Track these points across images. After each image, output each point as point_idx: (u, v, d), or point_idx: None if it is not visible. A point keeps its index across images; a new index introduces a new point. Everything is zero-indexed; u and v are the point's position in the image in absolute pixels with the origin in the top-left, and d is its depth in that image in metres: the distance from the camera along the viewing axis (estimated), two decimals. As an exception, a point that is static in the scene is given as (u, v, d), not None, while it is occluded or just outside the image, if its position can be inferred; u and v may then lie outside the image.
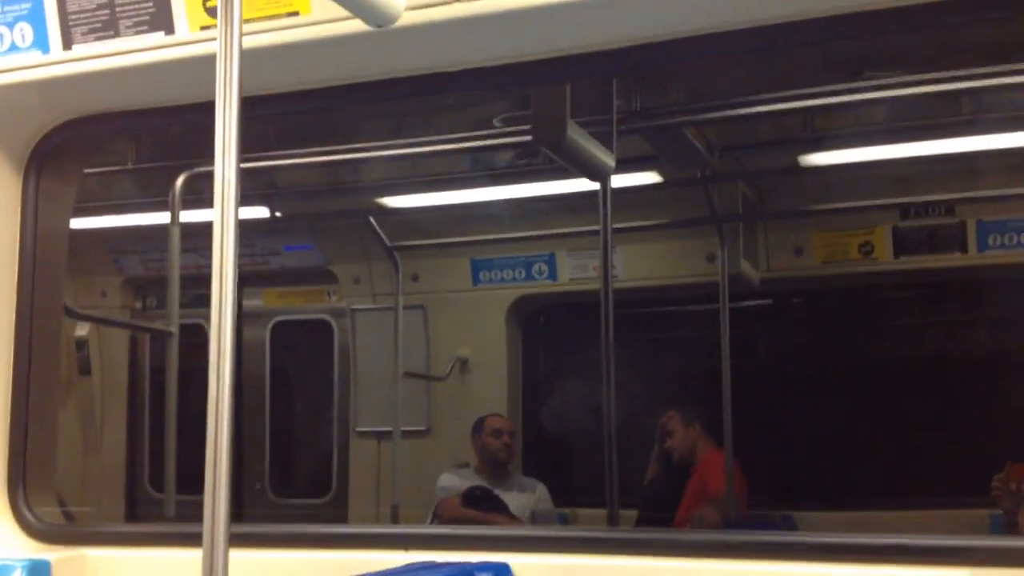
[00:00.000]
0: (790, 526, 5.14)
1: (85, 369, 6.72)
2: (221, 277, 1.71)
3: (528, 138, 4.04)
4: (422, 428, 6.39)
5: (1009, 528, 4.36)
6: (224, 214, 1.73)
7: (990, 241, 5.72)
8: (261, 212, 6.00)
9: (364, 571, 2.20)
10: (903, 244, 5.85)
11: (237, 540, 1.67)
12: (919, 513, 5.23)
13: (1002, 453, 4.42)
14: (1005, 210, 5.61)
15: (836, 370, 6.12)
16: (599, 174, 4.00)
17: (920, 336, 6.20)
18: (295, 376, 7.28)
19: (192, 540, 1.80)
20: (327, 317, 6.96)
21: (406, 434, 6.29)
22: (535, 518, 5.26)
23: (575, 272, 6.26)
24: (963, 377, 5.77)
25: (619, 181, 4.50)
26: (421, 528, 4.22)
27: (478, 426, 5.56)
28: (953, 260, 5.72)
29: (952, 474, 5.30)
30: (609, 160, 3.87)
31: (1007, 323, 5.84)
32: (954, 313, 6.16)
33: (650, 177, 5.64)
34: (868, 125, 5.16)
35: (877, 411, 5.88)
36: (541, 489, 5.45)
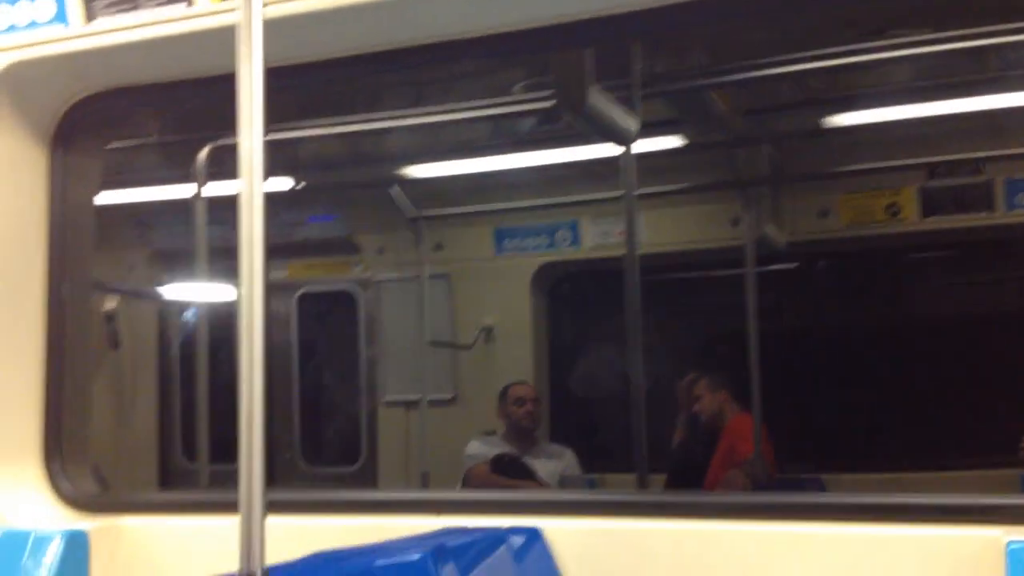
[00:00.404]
0: (819, 488, 5.14)
1: (114, 343, 6.78)
2: (249, 248, 1.72)
3: (550, 104, 4.02)
4: (449, 397, 6.43)
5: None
6: (250, 185, 1.74)
7: (1018, 199, 5.64)
8: (284, 184, 6.02)
9: (397, 535, 2.22)
10: (930, 204, 5.80)
11: (271, 506, 1.69)
12: (948, 474, 5.21)
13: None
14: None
15: (863, 332, 6.09)
16: (622, 139, 3.98)
17: (947, 297, 6.15)
18: (322, 347, 7.33)
19: (227, 507, 1.81)
20: (352, 288, 6.99)
21: (433, 403, 6.32)
22: (563, 484, 5.28)
23: (599, 239, 6.24)
24: (992, 337, 5.73)
25: (642, 146, 4.47)
26: (452, 493, 4.26)
27: (502, 394, 5.59)
28: (981, 219, 5.65)
29: (981, 435, 5.28)
30: (632, 124, 3.85)
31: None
32: (982, 273, 6.10)
33: (673, 141, 5.60)
34: (893, 84, 5.10)
35: (905, 373, 5.85)
36: (569, 455, 5.47)
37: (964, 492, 3.66)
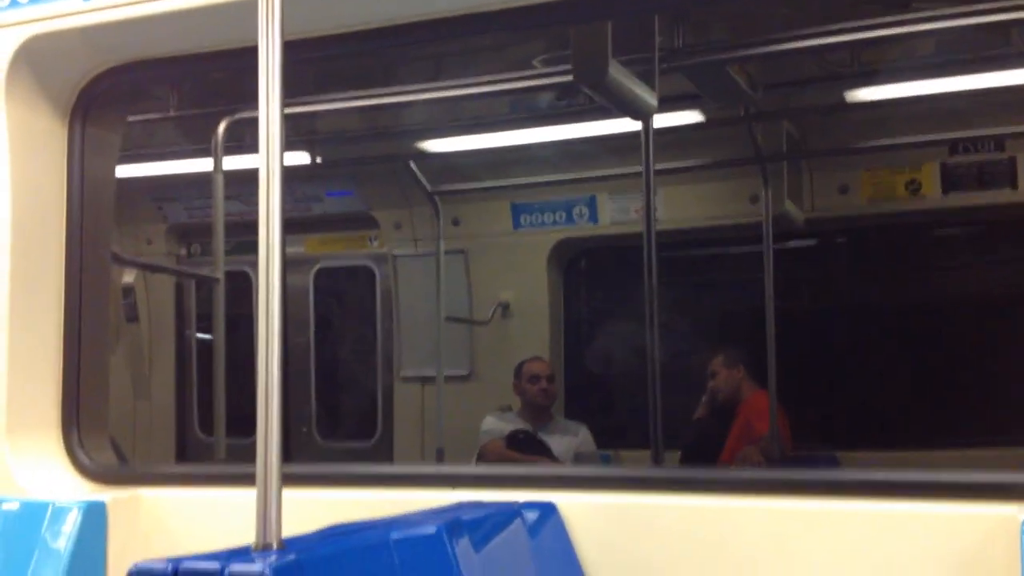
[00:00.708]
0: (833, 466, 5.14)
1: (132, 316, 6.82)
2: (268, 220, 1.72)
3: (569, 78, 3.99)
4: (465, 373, 6.44)
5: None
6: (269, 159, 1.74)
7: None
8: (302, 158, 6.02)
9: (411, 509, 2.24)
10: (951, 181, 5.75)
11: (288, 480, 1.70)
12: (965, 452, 5.19)
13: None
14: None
15: (881, 310, 6.06)
16: (641, 113, 3.96)
17: (968, 275, 6.11)
18: (339, 322, 7.35)
19: (244, 480, 1.83)
20: (369, 263, 7.00)
21: (449, 379, 6.34)
22: (578, 460, 5.30)
23: (617, 215, 6.22)
24: (1012, 316, 5.69)
25: (661, 121, 4.44)
26: (467, 468, 4.27)
27: (518, 371, 5.60)
28: (1003, 196, 5.61)
29: (999, 413, 5.26)
30: (651, 99, 3.83)
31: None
32: (1003, 251, 6.06)
33: (692, 116, 5.56)
34: (915, 59, 5.04)
35: (923, 350, 5.82)
36: (584, 431, 5.48)
37: (980, 470, 3.66)
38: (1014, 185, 5.61)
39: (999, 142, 5.63)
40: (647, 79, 3.89)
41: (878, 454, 5.38)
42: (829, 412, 5.84)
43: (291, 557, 1.60)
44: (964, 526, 2.19)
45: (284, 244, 1.77)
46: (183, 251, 7.36)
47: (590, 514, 2.49)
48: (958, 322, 5.84)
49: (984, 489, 2.24)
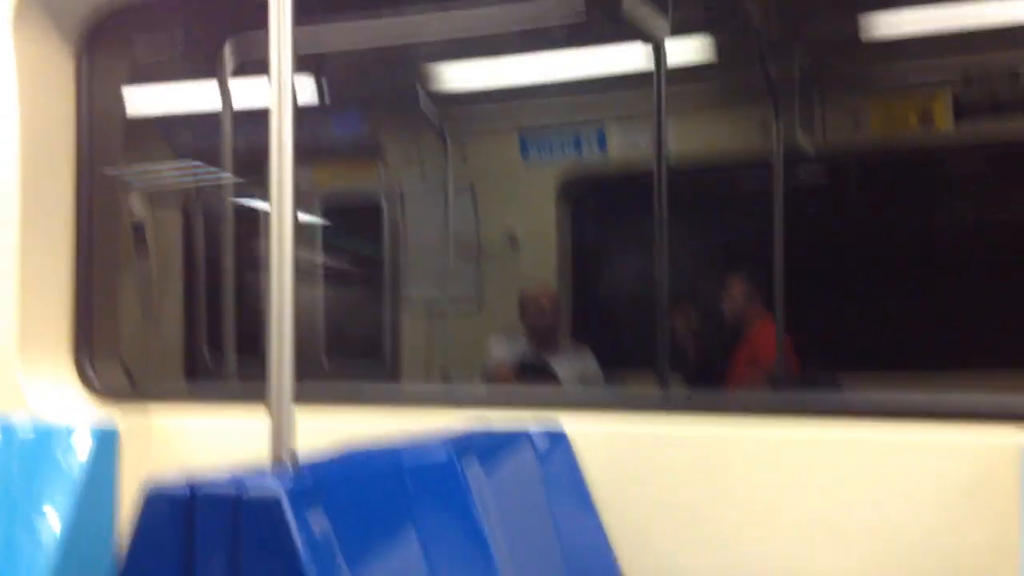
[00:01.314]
0: (835, 387, 5.17)
1: (143, 252, 6.84)
2: (279, 145, 1.72)
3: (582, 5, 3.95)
4: (473, 304, 6.46)
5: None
6: (280, 88, 1.73)
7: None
8: (308, 85, 5.98)
9: (421, 427, 2.26)
10: (964, 110, 5.70)
11: (299, 397, 1.72)
12: (969, 374, 5.22)
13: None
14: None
15: (890, 239, 6.05)
16: (654, 37, 3.92)
17: (976, 203, 6.09)
18: (347, 253, 7.35)
19: (254, 396, 1.85)
20: (377, 195, 6.98)
21: (457, 310, 6.36)
22: (584, 383, 5.34)
23: (626, 146, 6.19)
24: (1018, 242, 5.70)
25: (672, 51, 4.39)
26: (476, 387, 4.31)
27: (522, 297, 5.64)
28: (1015, 125, 5.56)
29: (1002, 338, 5.28)
30: (664, 23, 3.79)
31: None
32: (1012, 180, 6.03)
33: (704, 45, 5.50)
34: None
35: (932, 279, 5.83)
36: (587, 353, 5.51)
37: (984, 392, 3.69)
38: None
39: (1014, 70, 5.56)
40: (660, 4, 3.86)
41: (885, 374, 5.39)
42: (837, 339, 5.85)
43: (306, 479, 1.62)
44: (966, 449, 2.21)
45: (295, 168, 1.76)
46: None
47: (598, 439, 2.53)
48: (966, 248, 5.84)
49: (986, 413, 2.26)
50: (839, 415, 2.35)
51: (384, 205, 6.93)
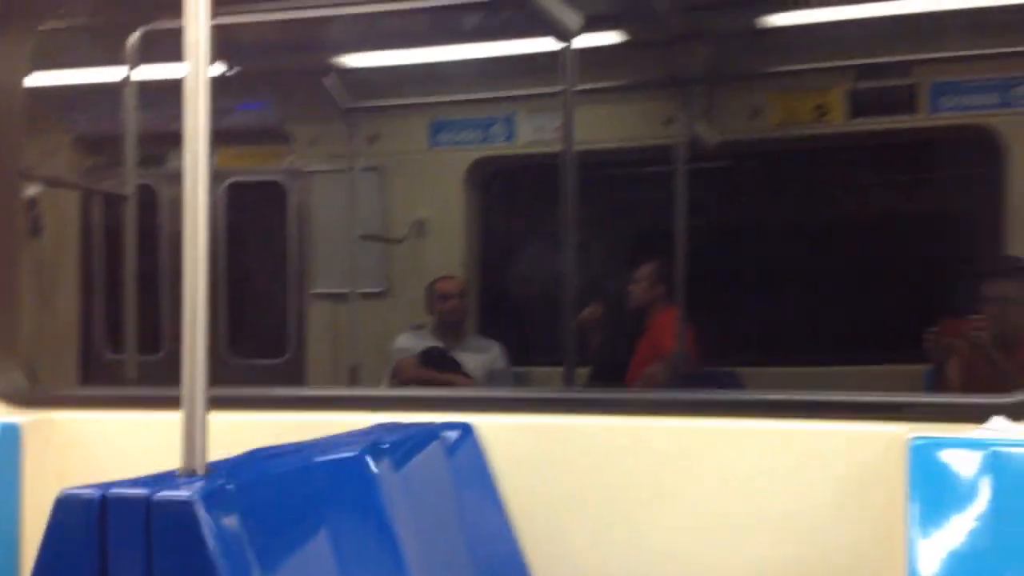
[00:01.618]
0: (735, 383, 5.32)
1: (36, 229, 6.64)
2: (194, 134, 1.69)
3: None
4: (379, 290, 6.45)
5: (940, 381, 4.60)
6: (196, 71, 1.70)
7: (943, 102, 5.76)
8: (215, 69, 5.87)
9: (333, 431, 2.29)
10: (856, 106, 5.89)
11: (211, 402, 1.72)
12: (860, 368, 5.43)
13: (939, 309, 4.63)
14: (960, 71, 5.66)
15: (787, 230, 6.23)
16: (564, 33, 3.98)
17: (868, 197, 6.31)
18: (250, 239, 7.25)
19: (160, 403, 1.85)
20: (283, 178, 6.90)
21: (363, 296, 6.35)
22: (491, 377, 5.39)
23: (535, 134, 6.24)
24: (908, 235, 5.92)
25: (579, 42, 4.45)
26: (388, 391, 4.33)
27: (429, 289, 5.65)
28: (904, 122, 5.78)
29: (895, 330, 5.49)
30: (574, 18, 3.85)
31: (950, 184, 5.97)
32: (902, 174, 6.27)
33: (611, 37, 5.58)
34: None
35: (825, 270, 6.03)
36: (496, 349, 5.57)
37: (876, 386, 3.87)
38: (916, 111, 5.78)
39: (904, 69, 5.77)
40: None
41: (781, 370, 5.58)
42: (735, 330, 6.02)
43: (219, 483, 1.63)
44: (856, 444, 2.33)
45: (210, 159, 1.73)
46: (89, 162, 7.14)
47: (506, 434, 2.58)
48: (859, 241, 6.05)
49: (875, 409, 2.39)
50: (737, 411, 2.46)
51: (289, 189, 6.87)
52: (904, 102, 5.77)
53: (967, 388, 4.38)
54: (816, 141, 6.07)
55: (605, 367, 5.48)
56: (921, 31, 5.57)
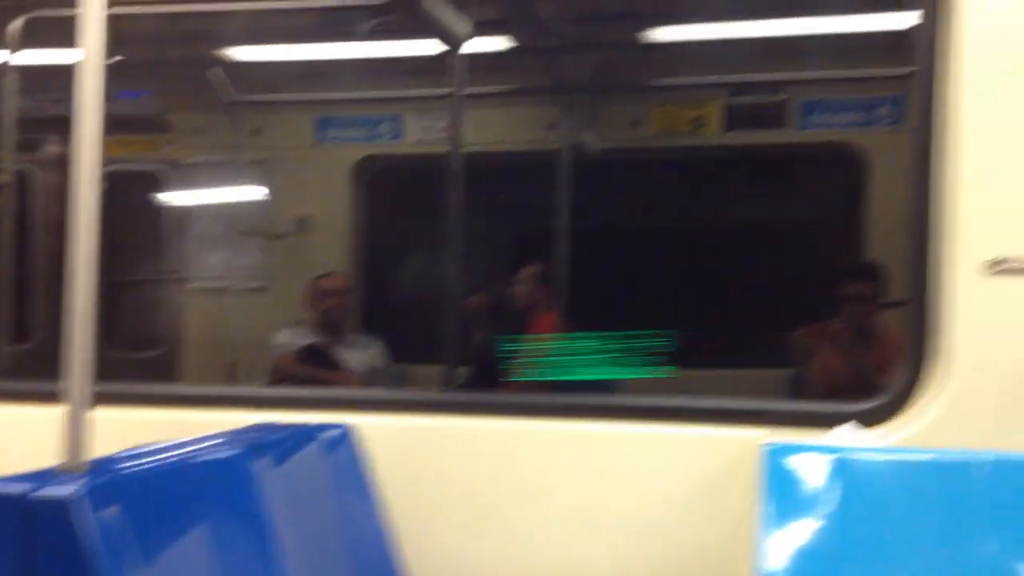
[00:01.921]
0: (606, 388, 5.45)
1: None
2: (85, 125, 1.69)
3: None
4: (260, 285, 6.40)
5: (802, 384, 4.85)
6: (90, 60, 1.70)
7: (811, 120, 6.05)
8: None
9: (213, 429, 2.32)
10: (732, 120, 6.13)
11: (94, 396, 1.73)
12: (726, 372, 5.64)
13: (804, 314, 4.87)
14: (829, 90, 5.94)
15: (659, 237, 6.41)
16: (453, 39, 4.05)
17: (738, 206, 6.52)
18: (127, 229, 7.09)
19: (43, 397, 1.84)
20: (161, 169, 6.77)
21: (244, 291, 6.29)
22: (372, 375, 5.42)
23: (422, 134, 6.28)
24: (777, 242, 6.17)
25: (469, 46, 4.52)
26: (270, 390, 4.33)
27: (311, 286, 5.63)
28: (773, 136, 6.04)
29: (762, 335, 5.71)
30: (463, 25, 3.92)
31: (818, 195, 6.25)
32: (771, 185, 6.52)
33: (501, 43, 5.68)
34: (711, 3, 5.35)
35: (699, 275, 6.24)
36: (377, 347, 5.60)
37: (743, 390, 4.06)
38: (786, 126, 6.06)
39: (777, 86, 6.03)
40: (460, 5, 3.98)
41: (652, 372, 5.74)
42: (611, 334, 6.16)
43: (101, 480, 1.65)
44: (713, 449, 2.48)
45: (102, 150, 1.73)
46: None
47: (383, 435, 2.65)
48: (730, 249, 6.28)
49: (731, 415, 2.55)
50: (601, 415, 2.58)
51: (167, 181, 6.74)
52: (774, 118, 6.04)
53: (829, 389, 4.61)
54: (691, 151, 6.28)
55: (484, 368, 5.56)
56: (793, 52, 5.84)
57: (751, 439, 2.48)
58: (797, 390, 5.04)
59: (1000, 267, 2.42)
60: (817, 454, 2.46)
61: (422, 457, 2.60)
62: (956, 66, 2.44)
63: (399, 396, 3.18)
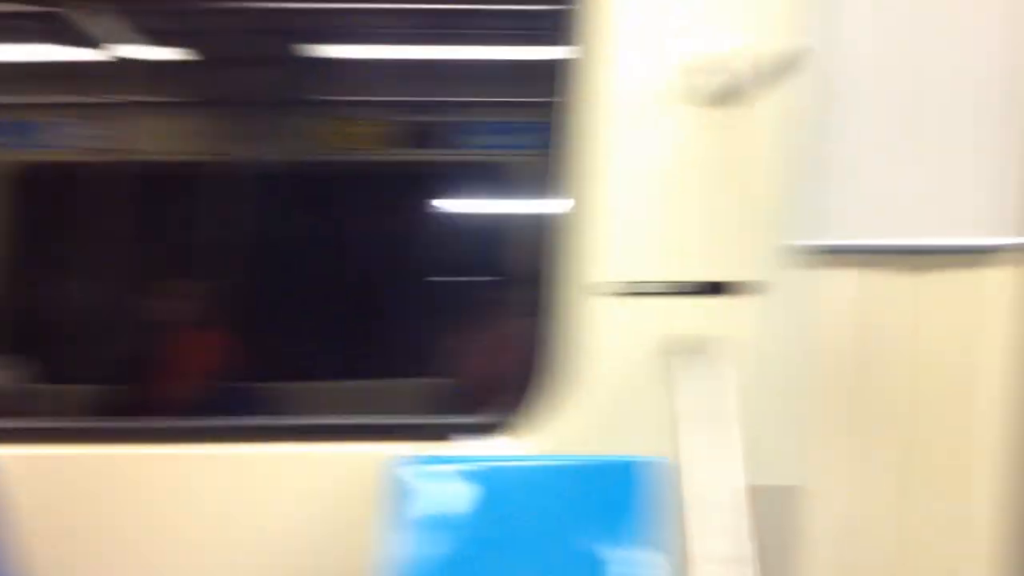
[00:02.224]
0: (261, 404, 5.44)
1: None
2: None
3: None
4: None
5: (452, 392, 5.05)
6: None
7: (472, 140, 6.35)
8: None
9: None
10: (394, 138, 6.34)
11: None
12: (361, 383, 5.77)
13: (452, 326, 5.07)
14: (492, 113, 6.27)
15: (314, 251, 6.42)
16: (105, 46, 3.95)
17: (397, 220, 6.67)
18: None
19: None
20: None
21: None
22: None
23: (71, 140, 6.00)
24: (415, 259, 6.37)
25: (126, 54, 4.40)
26: None
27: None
28: (432, 155, 6.29)
29: (395, 348, 5.90)
30: (122, 33, 3.83)
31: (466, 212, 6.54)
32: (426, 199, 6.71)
33: (170, 53, 5.56)
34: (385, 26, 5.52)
35: (350, 288, 6.32)
36: (9, 365, 5.29)
37: (379, 403, 4.17)
38: (446, 146, 6.33)
39: (442, 108, 6.30)
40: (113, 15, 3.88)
41: (299, 385, 5.76)
42: (254, 349, 6.09)
43: None
44: (337, 463, 2.61)
45: None
46: None
47: (18, 465, 2.55)
48: (381, 262, 6.40)
49: (349, 431, 2.70)
50: (236, 438, 2.64)
51: None
52: (434, 137, 6.30)
53: (478, 397, 4.83)
54: (343, 167, 6.38)
55: (129, 387, 5.36)
56: (456, 77, 6.11)
57: (376, 454, 2.62)
58: (447, 399, 5.23)
59: (624, 288, 2.71)
60: (437, 465, 2.66)
61: (65, 487, 2.53)
62: (595, 101, 2.70)
63: (23, 425, 3.05)
